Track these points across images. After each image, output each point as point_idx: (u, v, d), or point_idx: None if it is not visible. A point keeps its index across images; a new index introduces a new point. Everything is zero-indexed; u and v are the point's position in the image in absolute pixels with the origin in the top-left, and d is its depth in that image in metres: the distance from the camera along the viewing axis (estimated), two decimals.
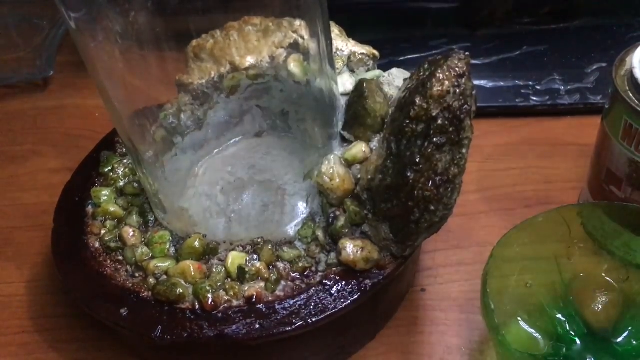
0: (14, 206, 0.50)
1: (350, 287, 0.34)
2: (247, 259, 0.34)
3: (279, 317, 0.33)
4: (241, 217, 0.37)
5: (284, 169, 0.38)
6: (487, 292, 0.32)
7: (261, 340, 0.32)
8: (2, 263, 0.46)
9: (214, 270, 0.34)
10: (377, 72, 0.40)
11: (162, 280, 0.34)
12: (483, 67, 0.55)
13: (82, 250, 0.37)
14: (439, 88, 0.29)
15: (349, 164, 0.35)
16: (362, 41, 0.42)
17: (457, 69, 0.29)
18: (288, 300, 0.33)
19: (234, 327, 0.32)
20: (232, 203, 0.37)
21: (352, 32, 0.42)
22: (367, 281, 0.34)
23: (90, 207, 0.39)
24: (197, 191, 0.38)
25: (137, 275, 0.35)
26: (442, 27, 0.58)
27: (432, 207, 0.31)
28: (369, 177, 0.34)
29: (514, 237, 0.35)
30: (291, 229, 0.36)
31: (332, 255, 0.34)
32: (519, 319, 0.35)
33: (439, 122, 0.29)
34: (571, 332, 0.35)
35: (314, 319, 0.33)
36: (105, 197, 0.39)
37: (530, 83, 0.53)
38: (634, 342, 0.34)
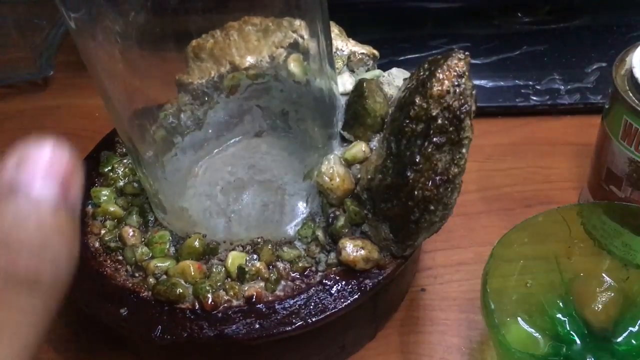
0: None
1: (350, 287, 0.34)
2: (247, 258, 0.34)
3: (278, 317, 0.33)
4: (241, 217, 0.37)
5: (284, 168, 0.38)
6: (487, 292, 0.32)
7: (261, 340, 0.32)
8: None
9: (214, 270, 0.34)
10: (377, 72, 0.40)
11: (162, 280, 0.34)
12: (483, 67, 0.55)
13: (82, 250, 0.36)
14: (439, 88, 0.29)
15: (348, 163, 0.35)
16: (362, 41, 0.42)
17: (456, 69, 0.29)
18: (288, 300, 0.33)
19: (234, 327, 0.32)
20: (232, 203, 0.37)
21: (352, 32, 0.42)
22: (367, 281, 0.34)
23: (90, 207, 0.39)
24: (197, 191, 0.38)
25: (137, 275, 0.35)
26: (442, 27, 0.58)
27: (432, 207, 0.31)
28: (369, 176, 0.34)
29: (514, 237, 0.35)
30: (291, 229, 0.36)
31: (332, 255, 0.34)
32: (519, 318, 0.35)
33: (439, 121, 0.29)
34: (571, 332, 0.35)
35: (313, 319, 0.33)
36: (105, 197, 0.39)
37: (530, 83, 0.53)
38: (634, 342, 0.34)
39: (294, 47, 0.36)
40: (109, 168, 0.40)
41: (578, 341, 0.35)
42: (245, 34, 0.37)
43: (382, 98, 0.35)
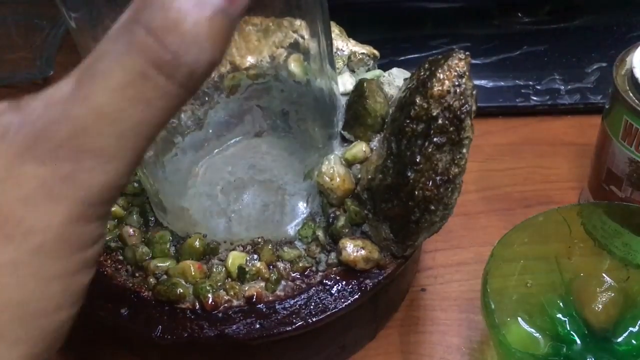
0: None
1: (350, 286, 0.34)
2: (247, 258, 0.34)
3: (279, 317, 0.33)
4: (241, 216, 0.37)
5: (284, 168, 0.38)
6: (487, 292, 0.32)
7: (261, 340, 0.32)
8: None
9: (214, 270, 0.34)
10: (377, 72, 0.40)
11: (163, 280, 0.34)
12: (483, 67, 0.55)
13: None
14: (439, 88, 0.29)
15: (349, 163, 0.35)
16: (362, 41, 0.42)
17: (457, 69, 0.29)
18: (288, 300, 0.33)
19: (234, 326, 0.32)
20: (232, 203, 0.37)
21: (352, 32, 0.42)
22: (368, 281, 0.34)
23: None
24: (198, 191, 0.38)
25: (137, 275, 0.35)
26: (442, 27, 0.58)
27: (433, 207, 0.31)
28: (369, 176, 0.34)
29: (514, 237, 0.35)
30: (291, 229, 0.36)
31: (333, 255, 0.34)
32: (519, 318, 0.35)
33: (439, 121, 0.29)
34: (571, 332, 0.35)
35: (314, 319, 0.33)
36: None
37: (530, 83, 0.53)
38: (634, 342, 0.34)
39: (295, 47, 0.36)
40: None
41: (578, 341, 0.35)
42: (245, 34, 0.37)
43: (383, 98, 0.35)
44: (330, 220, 0.35)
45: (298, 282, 0.34)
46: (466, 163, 0.30)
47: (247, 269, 0.34)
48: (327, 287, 0.33)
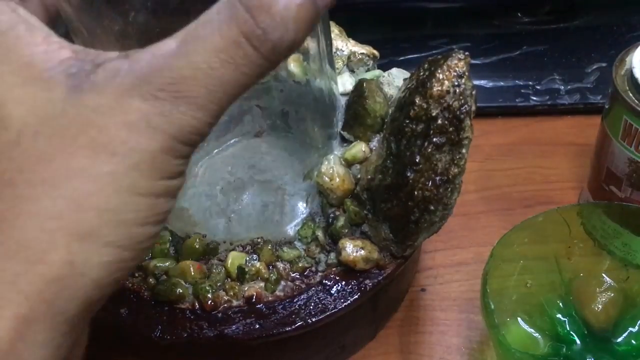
0: None
1: (350, 287, 0.34)
2: (247, 259, 0.34)
3: (278, 317, 0.33)
4: (241, 217, 0.37)
5: (284, 169, 0.38)
6: (487, 292, 0.32)
7: (261, 340, 0.32)
8: None
9: (214, 270, 0.34)
10: (377, 72, 0.40)
11: (162, 280, 0.34)
12: (483, 67, 0.55)
13: None
14: (439, 88, 0.29)
15: (348, 163, 0.35)
16: (362, 41, 0.42)
17: (456, 69, 0.29)
18: (288, 300, 0.33)
19: (234, 327, 0.32)
20: (232, 203, 0.37)
21: (352, 32, 0.42)
22: (367, 281, 0.34)
23: None
24: (197, 191, 0.38)
25: (136, 275, 0.35)
26: (442, 27, 0.58)
27: (432, 207, 0.31)
28: (369, 177, 0.34)
29: (514, 237, 0.35)
30: (291, 229, 0.36)
31: (332, 255, 0.34)
32: (519, 318, 0.35)
33: (439, 122, 0.29)
34: (571, 332, 0.35)
35: (313, 319, 0.33)
36: None
37: (530, 83, 0.53)
38: (634, 342, 0.34)
39: None
40: None
41: (578, 341, 0.35)
42: None
43: (382, 98, 0.35)
44: (330, 220, 0.35)
45: (298, 283, 0.34)
46: (466, 163, 0.30)
47: (246, 269, 0.34)
48: (327, 287, 0.33)
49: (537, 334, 0.35)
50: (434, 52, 0.55)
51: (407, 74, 0.36)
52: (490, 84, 0.53)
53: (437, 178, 0.30)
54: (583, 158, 0.46)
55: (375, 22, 0.58)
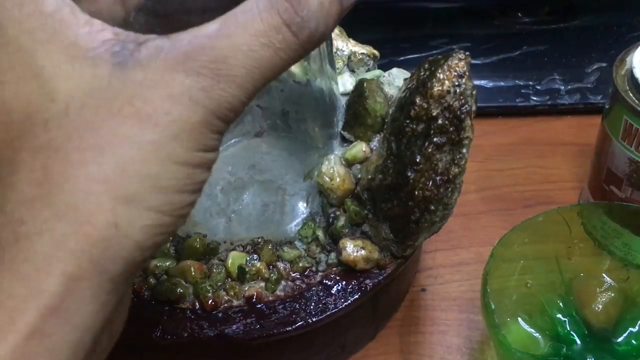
0: None
1: (350, 287, 0.34)
2: (247, 258, 0.34)
3: (279, 317, 0.33)
4: (241, 217, 0.37)
5: (284, 169, 0.38)
6: (487, 292, 0.32)
7: (261, 340, 0.32)
8: None
9: (214, 270, 0.34)
10: (377, 72, 0.40)
11: (163, 280, 0.34)
12: (483, 67, 0.55)
13: None
14: (439, 88, 0.29)
15: (349, 163, 0.35)
16: (362, 41, 0.42)
17: (457, 69, 0.29)
18: (288, 300, 0.33)
19: (234, 326, 0.32)
20: (232, 203, 0.37)
21: (352, 32, 0.42)
22: (368, 281, 0.34)
23: None
24: None
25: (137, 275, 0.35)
26: (442, 27, 0.58)
27: (432, 207, 0.31)
28: (369, 176, 0.34)
29: (514, 237, 0.35)
30: (291, 229, 0.36)
31: (332, 255, 0.34)
32: (519, 318, 0.35)
33: (439, 121, 0.29)
34: (571, 332, 0.35)
35: (314, 319, 0.33)
36: None
37: (530, 83, 0.53)
38: (634, 342, 0.34)
39: None
40: None
41: (578, 341, 0.35)
42: None
43: (383, 98, 0.35)
44: (330, 220, 0.35)
45: (298, 282, 0.34)
46: (466, 163, 0.30)
47: (247, 269, 0.34)
48: (327, 287, 0.33)
49: (537, 334, 0.35)
50: (434, 52, 0.55)
51: (407, 74, 0.36)
52: (490, 84, 0.53)
53: (438, 178, 0.30)
54: (583, 158, 0.46)
55: (375, 22, 0.58)
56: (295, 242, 0.35)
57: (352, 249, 0.33)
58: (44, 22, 0.20)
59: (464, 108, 0.29)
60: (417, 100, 0.30)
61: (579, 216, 0.37)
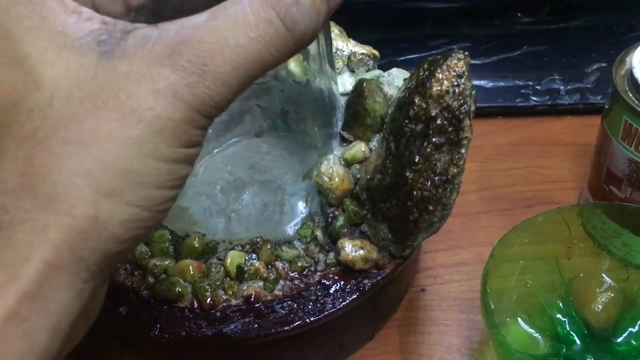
0: None
1: (348, 286, 0.34)
2: (246, 258, 0.34)
3: (277, 317, 0.33)
4: (241, 216, 0.37)
5: (284, 168, 0.38)
6: (487, 292, 0.32)
7: (259, 340, 0.32)
8: None
9: (213, 269, 0.34)
10: (377, 72, 0.40)
11: (161, 278, 0.34)
12: (483, 67, 0.55)
13: None
14: (438, 88, 0.29)
15: (348, 163, 0.35)
16: (362, 41, 0.42)
17: (456, 69, 0.29)
18: (286, 300, 0.33)
19: (232, 326, 0.32)
20: (231, 202, 0.37)
21: (352, 32, 0.42)
22: (366, 281, 0.34)
23: None
24: (197, 190, 0.38)
25: (136, 273, 0.35)
26: (442, 27, 0.58)
27: (431, 207, 0.31)
28: (368, 176, 0.34)
29: (514, 237, 0.35)
30: (291, 229, 0.36)
31: (331, 255, 0.34)
32: (519, 319, 0.35)
33: (438, 122, 0.29)
34: (571, 332, 0.35)
35: (312, 319, 0.33)
36: None
37: (530, 83, 0.53)
38: (634, 342, 0.34)
39: None
40: None
41: (578, 341, 0.35)
42: None
43: (382, 98, 0.35)
44: (329, 220, 0.35)
45: (296, 282, 0.34)
46: (465, 163, 0.30)
47: (245, 269, 0.34)
48: (326, 287, 0.33)
49: (537, 334, 0.35)
50: (434, 52, 0.55)
51: (407, 74, 0.36)
52: (490, 84, 0.53)
53: (436, 178, 0.30)
54: (583, 158, 0.46)
55: (375, 22, 0.58)
56: (294, 242, 0.35)
57: (351, 249, 0.33)
58: (32, 10, 0.20)
59: (462, 108, 0.29)
60: (416, 100, 0.30)
61: (578, 216, 0.36)
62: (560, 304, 0.36)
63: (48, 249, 0.20)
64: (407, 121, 0.30)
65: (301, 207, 0.36)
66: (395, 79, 0.37)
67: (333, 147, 0.37)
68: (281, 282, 0.34)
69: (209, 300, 0.33)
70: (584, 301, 0.36)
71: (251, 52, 0.20)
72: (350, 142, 0.36)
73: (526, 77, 0.54)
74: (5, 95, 0.20)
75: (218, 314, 0.33)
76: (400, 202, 0.31)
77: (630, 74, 0.36)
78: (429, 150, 0.30)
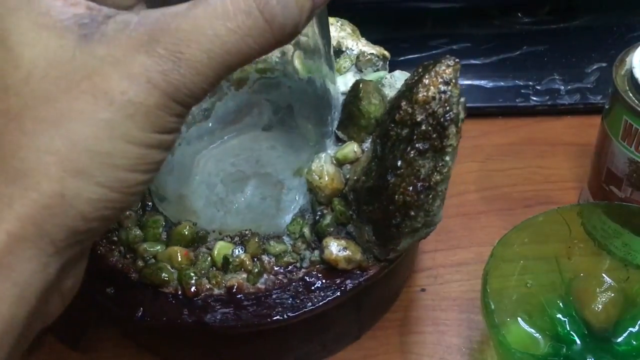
0: None
1: (330, 286, 0.33)
2: (233, 249, 0.34)
3: (256, 310, 0.33)
4: (239, 208, 0.37)
5: (284, 163, 0.38)
6: (487, 292, 0.32)
7: (237, 331, 0.33)
8: None
9: (200, 257, 0.34)
10: (382, 73, 0.40)
11: (150, 263, 0.34)
12: (483, 67, 0.55)
13: None
14: (424, 93, 0.29)
15: (340, 163, 0.35)
16: None
17: (444, 75, 0.28)
18: (268, 294, 0.33)
19: (212, 315, 0.33)
20: (230, 194, 0.37)
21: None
22: (348, 282, 0.33)
23: None
24: (198, 180, 0.38)
25: (128, 256, 0.35)
26: (442, 27, 0.58)
27: (413, 213, 0.30)
28: (355, 177, 0.33)
29: (514, 237, 0.35)
30: (284, 223, 0.36)
31: (317, 252, 0.34)
32: (519, 318, 0.35)
33: (423, 127, 0.29)
34: (571, 332, 0.35)
35: (290, 314, 0.33)
36: None
37: (530, 83, 0.53)
38: (634, 342, 0.34)
39: (296, 44, 0.36)
40: None
41: (578, 341, 0.35)
42: None
43: (379, 100, 0.35)
44: (317, 218, 0.35)
45: (280, 277, 0.34)
46: (450, 171, 0.30)
47: (231, 260, 0.34)
48: (308, 284, 0.33)
49: (537, 334, 0.35)
50: (434, 52, 0.55)
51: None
52: (490, 84, 0.53)
53: (419, 184, 0.29)
54: (583, 158, 0.46)
55: (375, 22, 0.58)
56: (284, 237, 0.35)
57: (335, 248, 0.33)
58: None
59: (447, 115, 0.28)
60: (403, 104, 0.29)
61: (579, 216, 0.36)
62: (561, 304, 0.36)
63: (11, 220, 0.20)
64: (393, 125, 0.30)
65: (297, 203, 0.36)
66: (397, 81, 0.37)
67: (327, 145, 0.36)
68: (265, 275, 0.34)
69: (192, 288, 0.33)
70: (584, 301, 0.36)
71: (228, 43, 0.20)
72: (345, 142, 0.36)
73: (526, 77, 0.53)
74: None
75: (200, 302, 0.33)
76: (383, 205, 0.31)
77: (631, 74, 0.36)
78: (412, 155, 0.29)
